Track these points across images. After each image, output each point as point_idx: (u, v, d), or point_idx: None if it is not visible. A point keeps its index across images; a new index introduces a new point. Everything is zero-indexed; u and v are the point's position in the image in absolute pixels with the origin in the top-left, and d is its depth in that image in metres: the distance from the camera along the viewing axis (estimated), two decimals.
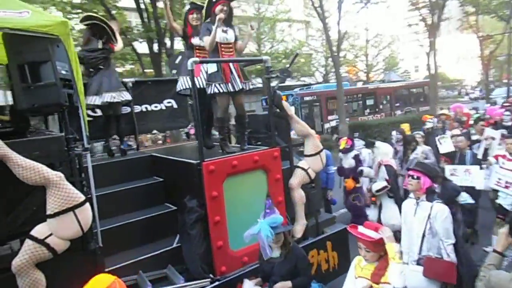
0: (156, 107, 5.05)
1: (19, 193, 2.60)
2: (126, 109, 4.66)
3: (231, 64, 3.86)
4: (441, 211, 3.37)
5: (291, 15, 28.83)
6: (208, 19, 3.98)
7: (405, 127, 6.95)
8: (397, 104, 24.09)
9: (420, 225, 3.42)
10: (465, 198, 4.68)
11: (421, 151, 6.35)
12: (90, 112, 4.43)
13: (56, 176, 2.57)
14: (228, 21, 3.93)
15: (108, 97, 4.11)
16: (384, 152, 5.82)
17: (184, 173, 3.73)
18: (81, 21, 4.39)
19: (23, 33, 2.64)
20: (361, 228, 2.77)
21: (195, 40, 4.35)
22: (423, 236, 3.39)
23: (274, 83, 4.20)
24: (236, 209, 3.65)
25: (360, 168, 5.72)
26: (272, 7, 27.95)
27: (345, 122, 17.16)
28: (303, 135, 4.24)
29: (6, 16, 2.61)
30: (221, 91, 3.84)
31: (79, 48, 4.41)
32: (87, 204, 2.73)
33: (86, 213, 2.72)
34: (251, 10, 27.61)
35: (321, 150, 4.25)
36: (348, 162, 5.83)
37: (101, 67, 4.21)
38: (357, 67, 34.82)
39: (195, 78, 3.59)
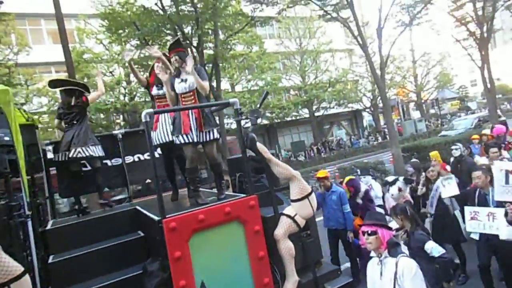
0: (149, 156, 4.83)
1: None
2: (117, 161, 4.49)
3: (190, 114, 3.52)
4: (407, 268, 2.63)
5: (333, 45, 28.39)
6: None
7: (435, 156, 5.92)
8: None
9: None
10: (430, 248, 3.65)
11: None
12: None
13: None
14: (185, 69, 3.63)
15: (75, 152, 3.93)
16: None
17: (151, 230, 3.36)
18: (49, 86, 4.30)
19: None
20: None
21: (153, 91, 4.08)
22: None
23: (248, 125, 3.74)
24: (208, 270, 3.14)
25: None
26: (314, 40, 27.80)
27: (397, 146, 15.70)
28: (286, 178, 3.69)
29: None
30: (183, 142, 3.50)
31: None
32: (26, 276, 2.45)
33: (25, 286, 2.45)
34: (293, 45, 27.71)
35: (310, 193, 3.62)
36: (358, 200, 5.17)
37: (75, 122, 4.09)
38: (406, 88, 32.90)
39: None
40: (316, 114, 28.05)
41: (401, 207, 4.06)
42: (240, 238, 3.35)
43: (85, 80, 17.59)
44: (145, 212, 3.64)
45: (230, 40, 16.10)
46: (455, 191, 4.74)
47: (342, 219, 5.29)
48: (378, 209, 5.31)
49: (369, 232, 2.84)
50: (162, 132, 3.88)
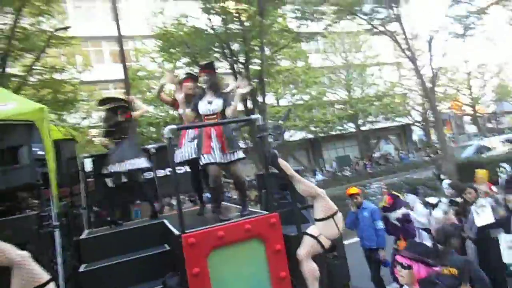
0: (180, 170, 4.90)
1: None
2: (149, 174, 4.61)
3: (212, 135, 3.51)
4: None
5: (380, 58, 27.50)
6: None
7: (483, 174, 5.32)
8: None
9: None
10: None
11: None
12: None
13: (20, 256, 2.46)
14: (215, 90, 3.65)
15: (125, 165, 4.10)
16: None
17: (173, 244, 3.36)
18: (99, 105, 4.56)
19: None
20: None
21: (180, 110, 4.14)
22: None
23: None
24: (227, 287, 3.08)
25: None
26: (360, 54, 27.16)
27: (451, 162, 14.52)
28: (310, 196, 3.53)
29: None
30: (204, 162, 3.51)
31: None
32: (51, 285, 2.55)
33: None
34: (339, 59, 27.24)
35: (335, 213, 3.44)
36: (394, 220, 4.75)
37: (123, 136, 4.27)
38: (460, 101, 30.84)
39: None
40: (362, 128, 27.17)
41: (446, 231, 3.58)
42: (260, 256, 3.25)
43: (138, 95, 18.55)
44: (169, 226, 3.67)
45: (275, 55, 16.21)
46: (490, 219, 4.17)
47: (374, 236, 5.01)
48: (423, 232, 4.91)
49: (404, 265, 2.57)
50: (188, 148, 3.92)
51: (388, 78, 28.02)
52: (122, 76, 11.17)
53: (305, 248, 3.37)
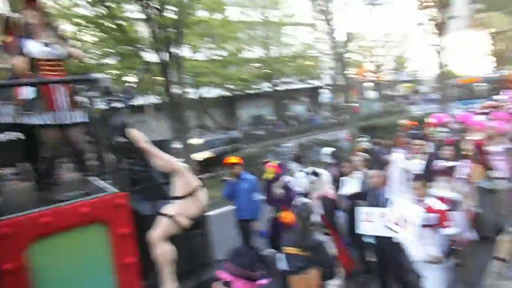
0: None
1: None
2: None
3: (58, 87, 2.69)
4: None
5: (298, 19, 27.45)
6: None
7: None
8: None
9: None
10: None
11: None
12: None
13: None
14: (50, 30, 2.73)
15: None
16: (326, 181, 4.61)
17: None
18: None
19: None
20: None
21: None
22: None
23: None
24: (58, 284, 2.50)
25: (303, 201, 4.43)
26: (277, 12, 26.66)
27: (355, 126, 15.38)
28: (168, 172, 3.14)
29: None
30: (43, 123, 2.74)
31: None
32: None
33: None
34: (257, 14, 26.39)
35: (197, 189, 3.13)
36: (278, 190, 4.63)
37: None
38: (365, 68, 33.01)
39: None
40: (278, 88, 27.34)
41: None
42: (101, 243, 2.72)
43: None
44: None
45: (192, 3, 14.68)
46: (355, 190, 4.35)
47: (254, 208, 4.84)
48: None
49: (223, 281, 2.00)
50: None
51: (303, 39, 28.27)
52: None
53: (159, 230, 2.98)
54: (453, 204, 3.76)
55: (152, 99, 19.39)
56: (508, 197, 4.99)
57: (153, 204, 3.03)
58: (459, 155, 4.68)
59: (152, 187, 3.14)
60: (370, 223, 3.85)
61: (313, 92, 33.71)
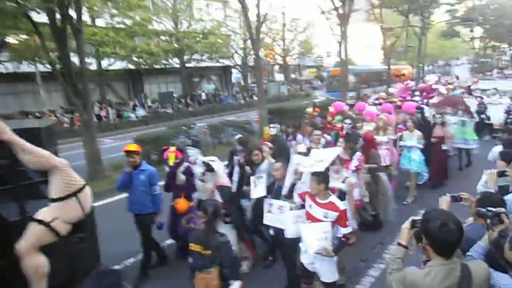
0: None
1: None
2: None
3: None
4: None
5: None
6: None
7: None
8: None
9: None
10: None
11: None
12: None
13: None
14: None
15: None
16: (220, 172, 4.67)
17: None
18: None
19: None
20: None
21: None
22: None
23: None
24: None
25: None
26: None
27: (264, 108, 15.57)
28: (43, 170, 2.68)
29: None
30: None
31: None
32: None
33: None
34: None
35: (80, 189, 2.75)
36: (179, 178, 4.53)
37: None
38: (274, 50, 33.87)
39: None
40: (187, 65, 26.39)
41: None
42: None
43: None
44: None
45: None
46: (262, 192, 4.26)
47: (149, 202, 4.50)
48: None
49: None
50: None
51: (215, 16, 27.57)
52: None
53: (29, 240, 2.56)
54: (341, 194, 4.03)
55: (42, 68, 17.01)
56: (388, 184, 5.64)
57: (22, 208, 2.56)
58: (351, 148, 5.06)
59: (21, 187, 2.62)
60: (271, 214, 3.99)
61: (224, 72, 33.47)
